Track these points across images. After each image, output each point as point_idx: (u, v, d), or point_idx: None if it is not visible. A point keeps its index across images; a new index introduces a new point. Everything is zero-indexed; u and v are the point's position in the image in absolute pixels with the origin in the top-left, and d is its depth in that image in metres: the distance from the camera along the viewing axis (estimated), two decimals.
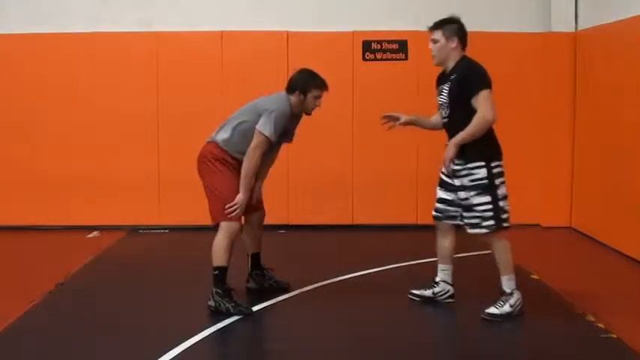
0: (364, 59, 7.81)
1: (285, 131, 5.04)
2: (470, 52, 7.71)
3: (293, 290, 5.36)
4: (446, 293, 5.09)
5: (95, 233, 7.63)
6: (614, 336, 4.36)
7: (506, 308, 4.73)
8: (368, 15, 7.81)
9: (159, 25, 7.75)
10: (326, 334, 4.60)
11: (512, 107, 7.87)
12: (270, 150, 5.05)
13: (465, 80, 4.67)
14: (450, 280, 5.11)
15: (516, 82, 7.84)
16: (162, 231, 7.77)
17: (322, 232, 7.73)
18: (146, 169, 7.80)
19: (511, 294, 4.76)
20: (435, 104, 4.98)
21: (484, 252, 6.74)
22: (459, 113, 4.68)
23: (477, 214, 4.70)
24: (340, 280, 5.69)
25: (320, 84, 5.03)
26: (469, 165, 4.68)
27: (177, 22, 7.79)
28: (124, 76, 7.74)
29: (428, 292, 5.10)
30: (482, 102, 4.58)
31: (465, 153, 4.67)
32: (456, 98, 4.70)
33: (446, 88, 4.79)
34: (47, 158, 7.77)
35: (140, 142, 7.80)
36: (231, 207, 4.82)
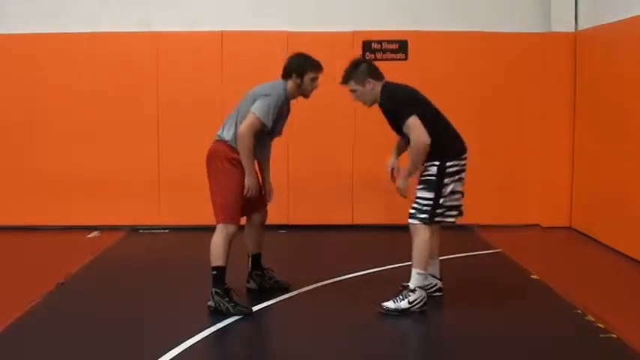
0: None
1: (279, 117, 4.98)
2: (470, 52, 7.82)
3: (293, 290, 5.36)
4: (434, 287, 5.13)
5: (95, 233, 7.63)
6: (614, 336, 4.36)
7: (404, 304, 4.76)
8: (368, 15, 7.80)
9: (159, 25, 7.75)
10: (326, 333, 4.60)
11: (512, 107, 7.89)
12: (266, 138, 5.02)
13: (391, 112, 4.86)
14: (437, 275, 5.15)
15: (516, 82, 7.86)
16: (162, 231, 7.77)
17: (322, 232, 7.72)
18: (146, 169, 7.80)
19: (413, 291, 4.79)
20: None
21: (483, 252, 6.77)
22: (404, 134, 4.86)
23: (417, 206, 4.82)
24: (340, 280, 5.69)
25: (316, 65, 5.03)
26: (426, 164, 4.81)
27: (177, 22, 7.79)
28: (124, 76, 7.73)
29: None
30: (410, 130, 4.71)
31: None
32: (394, 125, 4.91)
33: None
34: (47, 158, 7.76)
35: (140, 142, 7.79)
36: (246, 193, 4.85)
